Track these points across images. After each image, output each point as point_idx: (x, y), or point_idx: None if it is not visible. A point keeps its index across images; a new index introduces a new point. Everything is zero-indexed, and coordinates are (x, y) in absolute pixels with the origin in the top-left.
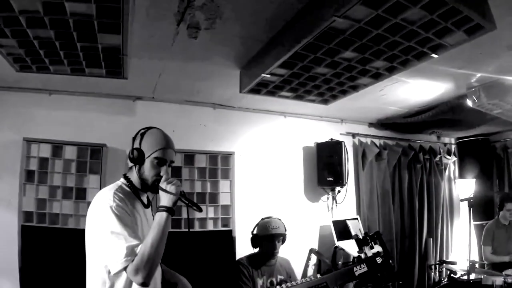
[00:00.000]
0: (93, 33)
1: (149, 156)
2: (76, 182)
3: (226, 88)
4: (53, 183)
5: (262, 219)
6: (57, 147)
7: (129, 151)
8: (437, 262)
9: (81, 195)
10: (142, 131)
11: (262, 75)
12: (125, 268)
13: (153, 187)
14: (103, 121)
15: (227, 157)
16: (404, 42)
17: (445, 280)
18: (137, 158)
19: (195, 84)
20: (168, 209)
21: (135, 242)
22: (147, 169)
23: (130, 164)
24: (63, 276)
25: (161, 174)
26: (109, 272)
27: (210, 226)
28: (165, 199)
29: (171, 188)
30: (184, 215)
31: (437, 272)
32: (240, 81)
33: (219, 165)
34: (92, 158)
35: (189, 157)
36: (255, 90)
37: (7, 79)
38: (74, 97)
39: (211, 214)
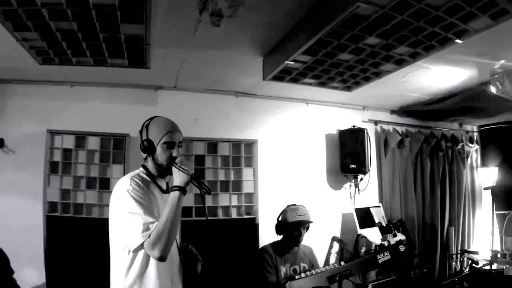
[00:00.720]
0: (115, 24)
1: (158, 143)
2: (100, 172)
3: (248, 76)
4: (77, 173)
5: (288, 206)
6: (81, 138)
7: (139, 144)
8: (459, 252)
9: (104, 185)
10: (146, 122)
11: (286, 62)
12: (142, 244)
13: (170, 170)
14: (125, 111)
15: (250, 145)
16: (428, 27)
17: (467, 270)
18: (148, 148)
19: (217, 72)
20: (180, 188)
21: (151, 219)
22: (160, 155)
23: (144, 155)
24: (87, 264)
25: (174, 155)
26: (129, 252)
27: (233, 214)
28: (177, 179)
29: (184, 168)
30: (208, 203)
31: (458, 262)
32: (263, 68)
33: (242, 153)
34: (115, 148)
35: (212, 145)
36: (278, 77)
37: (30, 72)
38: (95, 89)
39: (234, 202)
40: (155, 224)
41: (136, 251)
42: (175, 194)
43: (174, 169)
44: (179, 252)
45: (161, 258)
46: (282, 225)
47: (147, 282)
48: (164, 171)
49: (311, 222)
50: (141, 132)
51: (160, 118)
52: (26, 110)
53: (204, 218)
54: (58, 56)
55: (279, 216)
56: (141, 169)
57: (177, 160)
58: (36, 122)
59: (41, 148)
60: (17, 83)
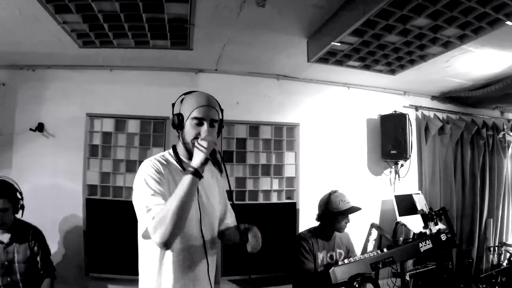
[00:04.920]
0: (159, 3)
1: (188, 118)
2: (140, 155)
3: (291, 58)
4: (116, 157)
5: (332, 193)
6: (120, 121)
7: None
8: (497, 245)
9: None
10: (182, 96)
11: (332, 43)
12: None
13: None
14: (165, 94)
15: (292, 129)
16: (479, 7)
17: (505, 263)
18: (178, 123)
19: (260, 54)
20: (194, 171)
21: (157, 201)
22: (187, 132)
23: (177, 134)
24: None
25: (201, 133)
26: (143, 237)
27: (274, 199)
28: (194, 159)
29: (203, 143)
30: (249, 187)
31: (496, 255)
32: (308, 50)
33: (284, 136)
34: (155, 131)
35: (254, 128)
36: (323, 59)
37: (69, 57)
38: (135, 72)
39: (275, 186)
40: (161, 206)
41: (144, 237)
42: (185, 178)
43: (194, 147)
44: (205, 250)
45: (164, 245)
46: (330, 213)
47: (164, 277)
48: (191, 152)
49: (360, 208)
50: (173, 105)
51: (196, 92)
52: (65, 94)
53: (245, 202)
54: (99, 38)
55: (324, 204)
56: (170, 150)
57: (198, 140)
58: (76, 106)
59: (81, 132)
60: (56, 68)
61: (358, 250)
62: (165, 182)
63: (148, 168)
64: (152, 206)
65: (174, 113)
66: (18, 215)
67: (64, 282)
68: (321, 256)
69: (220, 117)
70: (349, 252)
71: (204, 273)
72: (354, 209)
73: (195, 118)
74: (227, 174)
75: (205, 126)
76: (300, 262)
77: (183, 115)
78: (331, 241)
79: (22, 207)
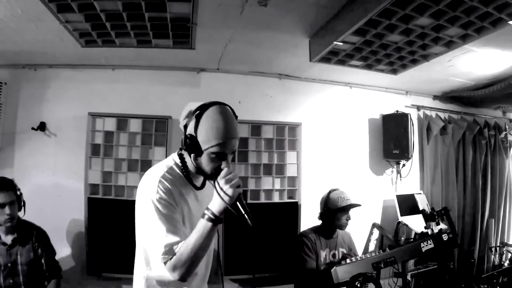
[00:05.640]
0: (162, 2)
1: (206, 149)
2: (142, 154)
3: (293, 58)
4: (118, 156)
5: (331, 191)
6: (122, 121)
7: (182, 136)
8: (499, 245)
9: (146, 167)
10: (197, 111)
11: (335, 42)
12: (164, 263)
13: (211, 176)
14: (167, 93)
15: (294, 128)
16: (481, 7)
17: (507, 263)
18: (192, 148)
19: (262, 54)
20: (214, 218)
21: (174, 239)
22: (205, 162)
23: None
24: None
25: (222, 167)
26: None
27: (276, 198)
28: (215, 202)
29: (228, 190)
30: (251, 186)
31: (497, 255)
32: (310, 49)
33: (286, 136)
34: (157, 130)
35: (256, 128)
36: (325, 59)
37: (71, 57)
38: (137, 71)
39: (277, 185)
40: (179, 245)
41: (156, 269)
42: (206, 224)
43: (215, 187)
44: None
45: (182, 280)
46: (330, 211)
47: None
48: (204, 174)
49: (360, 205)
50: (186, 118)
51: (216, 116)
52: (67, 93)
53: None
54: (102, 37)
55: (324, 202)
56: (176, 158)
57: (220, 180)
58: (78, 105)
59: (83, 131)
60: (58, 67)
61: (359, 249)
62: (176, 206)
63: (158, 194)
64: (169, 246)
65: (187, 132)
66: (21, 214)
67: (66, 281)
68: (323, 254)
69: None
70: (351, 251)
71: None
72: (352, 205)
73: (216, 153)
74: (249, 221)
75: (228, 161)
76: (303, 260)
77: (198, 141)
78: (333, 240)
79: (24, 204)
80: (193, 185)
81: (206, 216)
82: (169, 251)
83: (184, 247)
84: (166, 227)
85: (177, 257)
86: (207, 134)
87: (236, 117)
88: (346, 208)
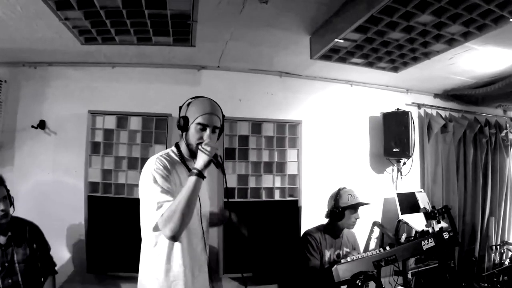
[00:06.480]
0: None
1: (193, 122)
2: (142, 152)
3: (294, 56)
4: (118, 154)
5: (341, 189)
6: (122, 119)
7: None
8: (499, 243)
9: None
10: (189, 100)
11: (335, 40)
12: (158, 223)
13: (197, 148)
14: (167, 91)
15: (294, 126)
16: (483, 4)
17: (507, 262)
18: (183, 125)
19: (262, 51)
20: (198, 173)
21: (167, 198)
22: (191, 135)
23: (180, 133)
24: (127, 244)
25: (204, 138)
26: (153, 230)
27: (276, 196)
28: (198, 161)
29: (207, 148)
30: (252, 184)
31: (498, 253)
32: (311, 47)
33: (286, 133)
34: (157, 128)
35: (256, 125)
36: (326, 56)
37: (71, 54)
38: (137, 69)
39: (278, 183)
40: (170, 203)
41: (155, 229)
42: (191, 180)
43: (198, 150)
44: (204, 239)
45: (173, 238)
46: (339, 208)
47: (173, 264)
48: (193, 153)
49: (369, 203)
50: (180, 107)
51: (202, 98)
52: (67, 91)
53: (247, 200)
54: (101, 35)
55: (334, 199)
56: (173, 148)
57: (203, 144)
58: (77, 103)
59: (83, 129)
60: (58, 65)
61: (360, 248)
62: (171, 179)
63: (155, 165)
64: (162, 203)
65: (181, 115)
66: (11, 211)
67: (66, 280)
68: (328, 253)
69: (222, 123)
70: (355, 250)
71: (204, 259)
72: (362, 204)
73: (200, 124)
74: (225, 176)
75: (207, 132)
76: (306, 259)
77: (188, 119)
78: (339, 239)
79: (13, 200)
80: (186, 166)
81: (193, 172)
82: (162, 207)
83: (173, 202)
84: (160, 189)
85: (168, 211)
86: (194, 111)
87: (221, 110)
88: (356, 206)
